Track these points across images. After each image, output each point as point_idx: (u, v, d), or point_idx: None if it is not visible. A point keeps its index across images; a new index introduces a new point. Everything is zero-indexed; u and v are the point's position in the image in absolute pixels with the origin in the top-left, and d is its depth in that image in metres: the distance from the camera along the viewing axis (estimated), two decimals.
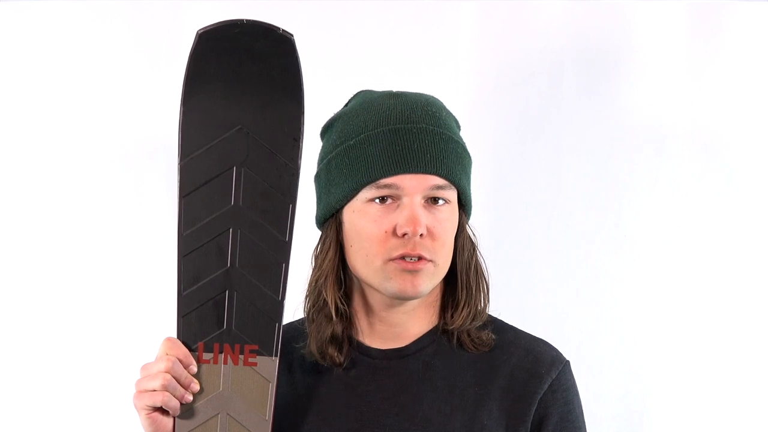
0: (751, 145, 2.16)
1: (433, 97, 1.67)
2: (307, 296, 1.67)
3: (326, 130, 1.67)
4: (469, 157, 1.65)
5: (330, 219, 1.63)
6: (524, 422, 1.60)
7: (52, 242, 2.18)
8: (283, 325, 1.68)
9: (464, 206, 1.64)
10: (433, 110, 1.62)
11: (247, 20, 1.52)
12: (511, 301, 1.79)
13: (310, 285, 1.66)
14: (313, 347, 1.65)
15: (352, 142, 1.60)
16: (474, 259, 1.65)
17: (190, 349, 1.55)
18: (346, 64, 2.17)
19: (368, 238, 1.58)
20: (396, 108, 1.61)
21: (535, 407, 1.60)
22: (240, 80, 1.52)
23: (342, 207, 1.61)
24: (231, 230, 1.54)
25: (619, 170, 2.18)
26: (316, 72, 1.78)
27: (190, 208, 1.54)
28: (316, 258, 1.66)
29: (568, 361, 1.66)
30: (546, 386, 1.61)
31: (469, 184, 1.65)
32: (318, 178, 1.67)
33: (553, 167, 2.18)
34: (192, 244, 1.54)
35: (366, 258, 1.59)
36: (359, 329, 1.67)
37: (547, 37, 2.19)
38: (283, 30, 1.52)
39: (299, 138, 1.55)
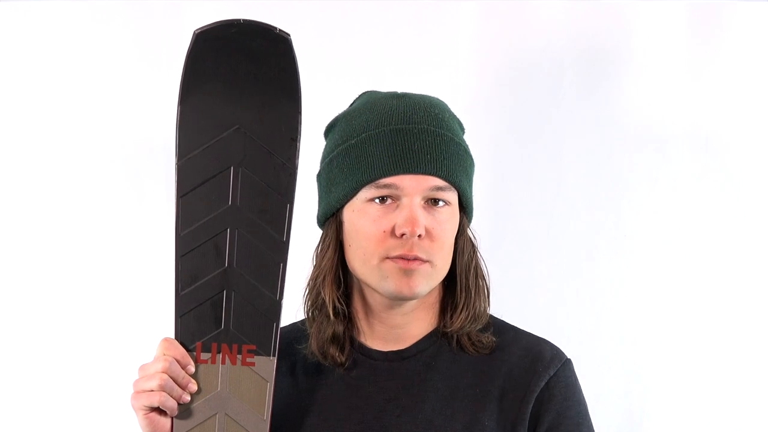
0: (751, 145, 2.16)
1: (437, 99, 1.67)
2: (306, 295, 1.67)
3: (329, 130, 1.67)
4: (472, 160, 1.65)
5: (331, 218, 1.63)
6: (522, 421, 1.59)
7: (50, 242, 2.18)
8: (286, 326, 1.69)
9: (465, 208, 1.63)
10: (436, 112, 1.62)
11: (244, 20, 1.52)
12: (511, 301, 1.79)
13: (309, 283, 1.66)
14: (314, 347, 1.65)
15: (353, 142, 1.60)
16: (474, 261, 1.65)
17: (188, 349, 1.55)
18: (346, 64, 2.17)
19: (366, 237, 1.57)
20: (398, 108, 1.60)
21: (531, 405, 1.60)
22: (237, 80, 1.52)
23: (342, 206, 1.61)
24: (229, 230, 1.54)
25: (619, 170, 2.17)
26: (315, 72, 1.78)
27: (188, 208, 1.54)
28: (316, 257, 1.66)
29: (568, 359, 1.65)
30: (543, 383, 1.61)
31: (470, 186, 1.64)
32: (319, 177, 1.67)
33: (553, 167, 2.18)
34: (190, 244, 1.54)
35: (363, 257, 1.58)
36: (360, 330, 1.67)
37: (547, 37, 2.18)
38: (280, 30, 1.52)
39: (297, 138, 1.54)
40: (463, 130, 1.68)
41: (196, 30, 1.53)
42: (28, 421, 2.18)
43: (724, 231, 2.16)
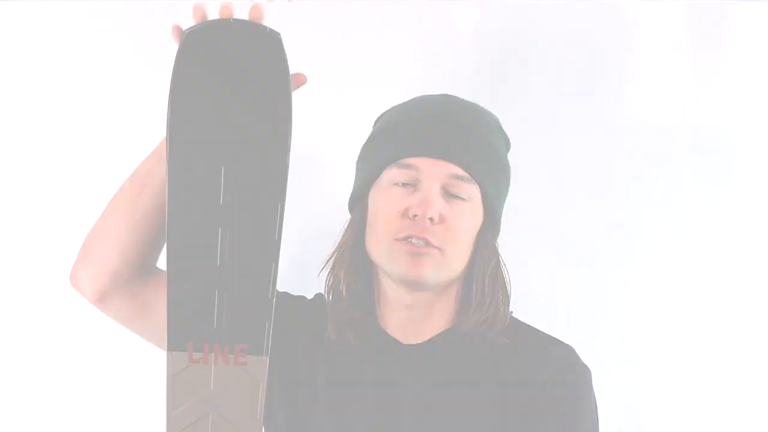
0: (753, 145, 2.15)
1: (489, 111, 1.68)
2: (327, 276, 1.68)
3: (377, 120, 1.71)
4: (503, 167, 1.66)
5: (359, 202, 1.65)
6: (513, 418, 1.59)
7: (48, 242, 2.19)
8: (313, 297, 1.72)
9: (491, 216, 1.64)
10: (477, 115, 1.64)
11: (234, 19, 1.52)
12: (511, 300, 1.79)
13: (328, 263, 1.68)
14: (331, 328, 1.66)
15: (388, 125, 1.63)
16: (493, 264, 1.65)
17: (180, 350, 1.55)
18: (338, 63, 2.17)
19: (382, 216, 1.60)
20: (441, 102, 1.64)
21: (523, 401, 1.60)
22: (227, 79, 1.52)
23: (369, 187, 1.63)
24: (220, 230, 1.53)
25: (619, 170, 2.17)
26: (309, 71, 1.77)
27: (179, 208, 1.54)
28: (339, 239, 1.68)
29: (578, 364, 1.64)
30: (539, 381, 1.60)
31: (496, 190, 1.65)
32: (357, 162, 1.69)
33: (553, 167, 2.18)
34: (180, 243, 1.54)
35: (377, 237, 1.60)
36: (381, 317, 1.68)
37: (547, 37, 2.18)
38: (270, 29, 1.52)
39: (287, 137, 1.54)
40: (507, 147, 1.69)
41: (186, 29, 1.53)
42: (28, 420, 2.19)
43: (725, 231, 2.15)
